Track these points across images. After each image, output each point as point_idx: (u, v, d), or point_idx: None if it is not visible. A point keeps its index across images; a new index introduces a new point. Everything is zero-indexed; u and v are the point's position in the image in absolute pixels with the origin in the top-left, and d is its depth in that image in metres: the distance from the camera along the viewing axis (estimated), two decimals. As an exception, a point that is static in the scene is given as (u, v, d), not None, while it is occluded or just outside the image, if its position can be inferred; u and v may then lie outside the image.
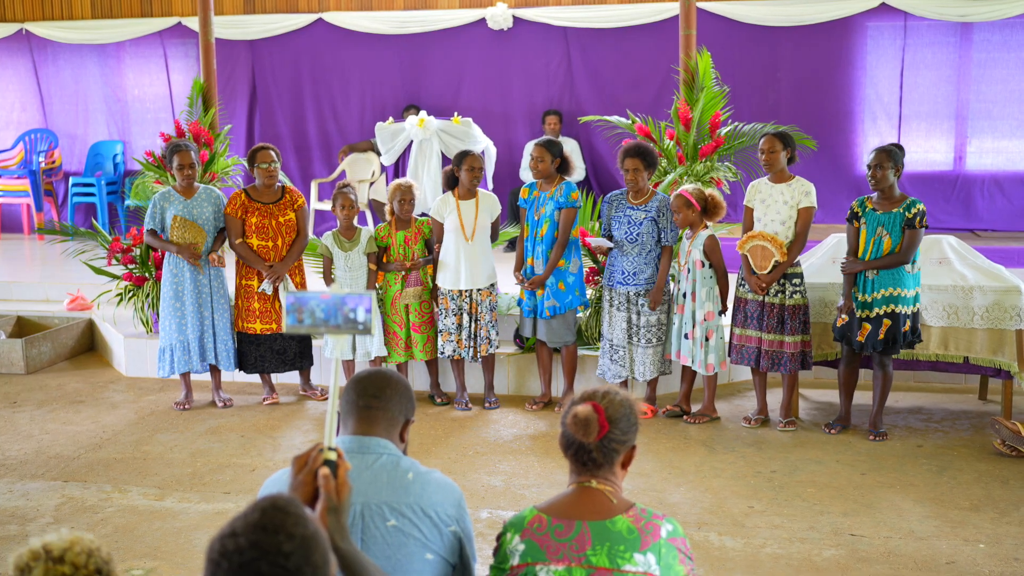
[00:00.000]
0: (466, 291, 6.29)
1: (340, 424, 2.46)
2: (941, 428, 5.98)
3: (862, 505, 4.88)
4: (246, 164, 6.45)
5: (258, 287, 6.36)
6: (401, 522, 2.29)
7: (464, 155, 6.32)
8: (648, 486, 5.14)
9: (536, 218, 6.23)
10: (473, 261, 6.27)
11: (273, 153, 6.36)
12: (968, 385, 6.71)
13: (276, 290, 6.36)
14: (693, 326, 6.00)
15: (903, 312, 5.59)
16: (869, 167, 5.61)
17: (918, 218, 5.52)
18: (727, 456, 5.58)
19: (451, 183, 6.39)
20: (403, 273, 6.34)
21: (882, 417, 5.85)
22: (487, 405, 6.49)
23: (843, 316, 5.70)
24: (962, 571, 4.21)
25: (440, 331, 6.38)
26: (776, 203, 5.87)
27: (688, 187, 6.06)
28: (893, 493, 5.03)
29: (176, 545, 4.53)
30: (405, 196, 6.34)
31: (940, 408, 6.36)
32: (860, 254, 5.66)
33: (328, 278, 6.41)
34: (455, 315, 6.31)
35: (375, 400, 2.41)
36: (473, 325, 6.31)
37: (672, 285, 6.30)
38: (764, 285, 5.79)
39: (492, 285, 6.37)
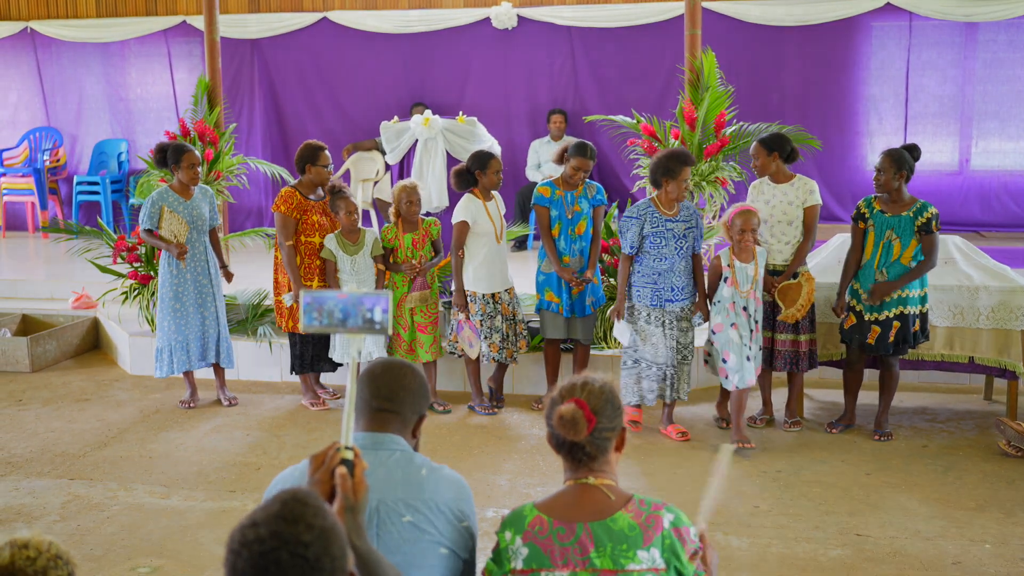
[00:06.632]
0: (497, 293, 6.26)
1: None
2: (946, 428, 5.97)
3: (868, 505, 4.88)
4: (296, 162, 6.31)
5: (290, 294, 6.31)
6: (416, 518, 2.32)
7: (489, 157, 6.18)
8: (654, 486, 5.14)
9: (570, 216, 6.15)
10: (503, 262, 6.29)
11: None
12: (973, 385, 6.70)
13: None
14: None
15: (912, 313, 5.60)
16: (876, 169, 5.63)
17: (933, 222, 5.50)
18: (732, 456, 5.56)
19: (464, 183, 6.22)
20: (412, 276, 6.29)
21: (887, 417, 5.85)
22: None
23: (851, 316, 5.68)
24: (968, 571, 4.21)
25: (488, 338, 6.27)
26: (781, 203, 5.86)
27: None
28: (898, 493, 5.03)
29: (182, 543, 4.54)
30: (412, 197, 6.29)
31: (945, 408, 6.36)
32: (868, 257, 5.65)
33: (333, 279, 6.37)
34: (491, 318, 6.24)
35: (387, 403, 2.44)
36: (504, 325, 6.27)
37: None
38: (778, 284, 5.75)
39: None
